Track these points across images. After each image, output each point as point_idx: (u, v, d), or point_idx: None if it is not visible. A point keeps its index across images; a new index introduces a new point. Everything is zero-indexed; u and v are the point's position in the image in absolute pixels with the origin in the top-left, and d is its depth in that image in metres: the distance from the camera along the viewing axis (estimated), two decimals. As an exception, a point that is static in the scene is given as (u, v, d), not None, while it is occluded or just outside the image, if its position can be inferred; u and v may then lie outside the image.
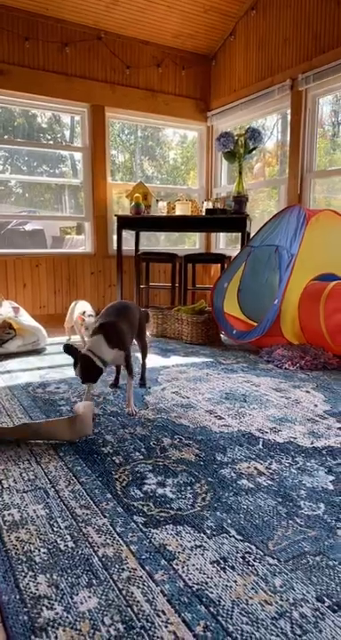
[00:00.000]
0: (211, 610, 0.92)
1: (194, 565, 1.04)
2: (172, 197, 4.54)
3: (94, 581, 0.99)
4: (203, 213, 3.93)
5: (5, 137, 4.13)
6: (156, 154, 5.09)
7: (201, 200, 4.45)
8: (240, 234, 3.73)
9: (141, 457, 1.56)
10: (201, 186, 4.94)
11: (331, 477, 1.42)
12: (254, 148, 3.84)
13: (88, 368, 1.82)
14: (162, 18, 4.15)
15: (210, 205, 3.96)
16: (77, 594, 0.96)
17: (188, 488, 1.36)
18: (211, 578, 1.01)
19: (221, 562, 1.05)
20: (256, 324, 3.17)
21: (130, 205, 4.00)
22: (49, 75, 3.97)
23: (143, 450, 1.61)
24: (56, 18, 3.93)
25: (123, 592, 0.96)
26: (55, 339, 3.51)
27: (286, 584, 0.99)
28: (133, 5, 3.98)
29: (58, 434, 1.66)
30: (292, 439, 1.70)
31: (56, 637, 0.85)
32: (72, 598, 0.95)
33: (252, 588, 0.97)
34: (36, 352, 3.14)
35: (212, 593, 0.96)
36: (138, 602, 0.93)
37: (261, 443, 1.67)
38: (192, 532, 1.16)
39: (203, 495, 1.32)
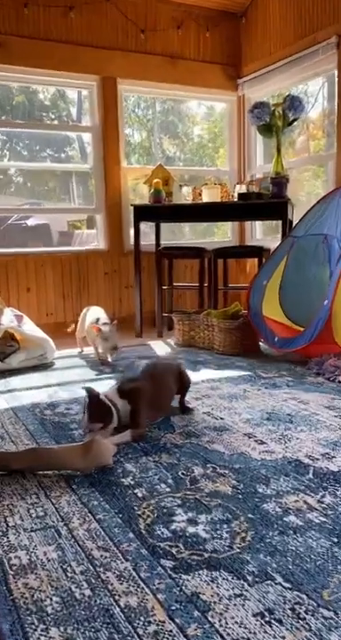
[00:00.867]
0: (255, 672, 0.91)
1: (233, 618, 1.04)
2: (198, 181, 4.55)
3: (116, 636, 1.00)
4: (236, 199, 3.93)
5: (3, 118, 4.23)
6: (178, 131, 5.12)
7: (232, 183, 4.45)
8: (280, 222, 3.71)
9: (168, 489, 1.56)
10: (232, 167, 4.94)
11: None
12: (295, 120, 3.82)
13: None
14: (181, -29, 4.19)
15: (244, 189, 3.95)
16: (96, 651, 0.97)
17: (224, 526, 1.35)
18: (255, 633, 1.00)
19: (266, 614, 1.05)
20: (302, 329, 3.14)
21: (149, 193, 4.04)
22: (52, 44, 4.05)
23: (170, 481, 1.62)
24: (59, -22, 4.02)
25: (150, 649, 0.96)
26: (64, 351, 3.56)
27: (345, 642, 0.97)
28: None
29: (69, 462, 1.68)
30: (349, 467, 1.67)
31: None
32: (90, 656, 0.96)
33: (304, 647, 0.96)
34: (43, 367, 3.19)
35: (256, 651, 0.95)
36: (167, 661, 0.94)
37: (311, 472, 1.65)
38: (230, 578, 1.15)
39: (243, 535, 1.31)
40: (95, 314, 3.33)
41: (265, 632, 1.00)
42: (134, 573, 1.17)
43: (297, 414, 2.19)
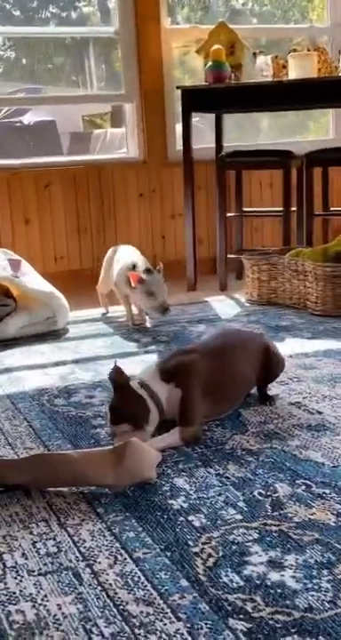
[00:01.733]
0: None
1: None
2: (282, 47, 4.42)
3: None
4: (341, 73, 3.83)
5: None
6: (250, -31, 4.97)
7: (336, 49, 4.29)
8: None
9: (239, 517, 1.56)
10: (335, 21, 4.78)
11: None
12: None
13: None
14: None
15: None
16: None
17: (324, 572, 1.35)
18: None
19: None
20: None
21: (205, 67, 3.95)
22: None
23: (241, 504, 1.61)
24: None
25: None
26: (81, 312, 3.59)
27: None
28: None
29: (93, 476, 1.71)
30: None
31: None
32: None
33: None
34: (52, 336, 3.24)
35: None
36: None
37: None
38: (333, 649, 1.15)
39: (353, 585, 1.30)
40: (128, 256, 3.32)
41: None
42: (190, 639, 1.19)
43: None
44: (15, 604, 1.30)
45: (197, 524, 1.54)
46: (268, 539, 1.47)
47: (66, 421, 2.19)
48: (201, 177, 4.37)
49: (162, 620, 1.24)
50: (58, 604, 1.29)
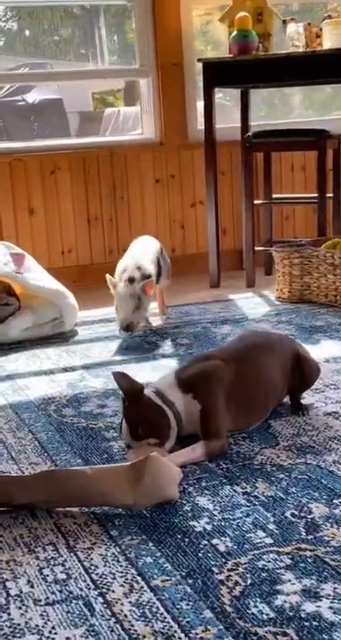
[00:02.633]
0: None
1: None
2: (316, 14, 4.40)
3: None
4: None
5: None
6: None
7: None
8: None
9: (269, 540, 1.56)
10: (374, -15, 4.75)
11: None
12: None
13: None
14: None
15: None
16: None
17: (366, 603, 1.34)
18: None
19: None
20: None
21: (230, 37, 3.95)
22: None
23: (272, 527, 1.61)
24: None
25: None
26: (92, 312, 3.60)
27: None
28: None
29: (108, 495, 1.71)
30: None
31: None
32: None
33: None
34: (60, 338, 3.25)
35: None
36: None
37: None
38: None
39: None
40: (133, 255, 3.27)
41: None
42: None
43: None
44: (20, 638, 1.30)
45: (222, 548, 1.54)
46: (302, 565, 1.46)
47: (75, 434, 2.20)
48: (225, 160, 4.37)
49: (183, 656, 1.24)
50: (67, 638, 1.29)
